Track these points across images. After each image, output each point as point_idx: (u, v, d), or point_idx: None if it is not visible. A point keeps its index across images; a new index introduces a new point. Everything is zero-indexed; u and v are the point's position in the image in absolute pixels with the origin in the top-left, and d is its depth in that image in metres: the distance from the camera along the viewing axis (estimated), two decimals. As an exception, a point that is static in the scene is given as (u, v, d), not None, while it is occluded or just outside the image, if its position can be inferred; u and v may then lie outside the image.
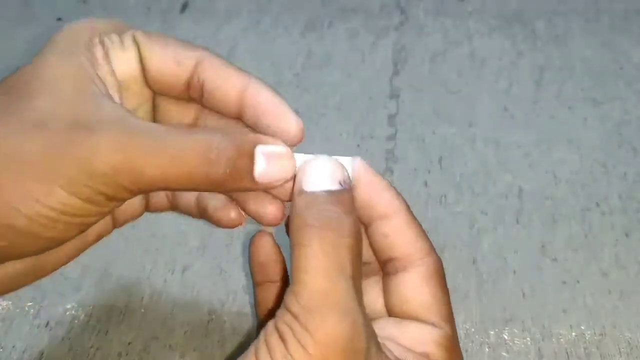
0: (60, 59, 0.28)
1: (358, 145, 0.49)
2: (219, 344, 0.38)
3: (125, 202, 0.31)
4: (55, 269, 0.32)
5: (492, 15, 0.60)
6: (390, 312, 0.29)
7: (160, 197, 0.34)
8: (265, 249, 0.32)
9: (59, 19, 0.62)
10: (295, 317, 0.24)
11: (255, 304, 0.34)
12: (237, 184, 0.27)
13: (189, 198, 0.33)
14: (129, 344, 0.38)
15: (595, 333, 0.38)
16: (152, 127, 0.27)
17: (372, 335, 0.26)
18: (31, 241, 0.26)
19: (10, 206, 0.25)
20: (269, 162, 0.27)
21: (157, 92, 0.31)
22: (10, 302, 0.40)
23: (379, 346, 0.26)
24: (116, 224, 0.34)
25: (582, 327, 0.38)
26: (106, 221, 0.33)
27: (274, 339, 0.25)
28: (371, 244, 0.30)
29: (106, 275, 0.42)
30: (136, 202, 0.33)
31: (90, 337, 0.39)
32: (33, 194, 0.25)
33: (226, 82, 0.29)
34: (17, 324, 0.39)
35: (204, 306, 0.40)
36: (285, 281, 0.33)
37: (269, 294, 0.33)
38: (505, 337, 0.38)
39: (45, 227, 0.26)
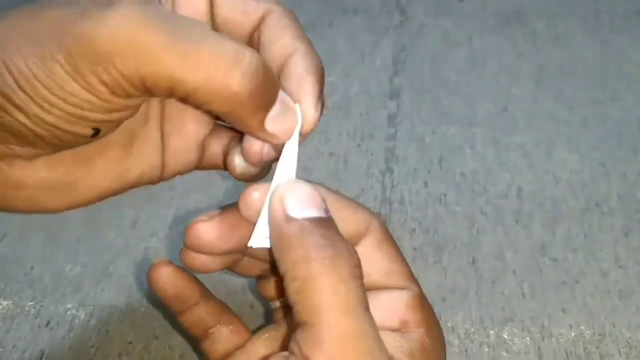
0: None
1: (358, 145, 0.49)
2: (219, 343, 0.38)
3: (178, 145, 0.30)
4: (88, 197, 0.29)
5: (492, 16, 0.60)
6: None
7: (216, 150, 0.31)
8: (171, 279, 0.29)
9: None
10: None
11: (187, 329, 0.31)
12: (249, 112, 0.25)
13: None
14: (130, 343, 0.38)
15: (594, 333, 0.38)
16: (184, 17, 0.24)
17: None
18: (37, 124, 0.24)
19: (12, 80, 0.23)
20: (283, 112, 0.26)
21: None
22: (10, 302, 0.41)
23: None
24: (165, 172, 0.31)
25: (582, 327, 0.38)
26: (152, 161, 0.30)
27: None
28: None
29: (106, 275, 0.42)
30: (190, 148, 0.31)
31: (91, 336, 0.39)
32: (33, 71, 0.23)
33: (276, 43, 0.27)
34: (18, 324, 0.39)
35: (204, 306, 0.40)
36: (207, 294, 0.31)
37: (196, 316, 0.30)
38: (505, 336, 0.38)
39: (45, 111, 0.24)
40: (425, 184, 0.47)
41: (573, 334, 0.38)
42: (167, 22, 0.23)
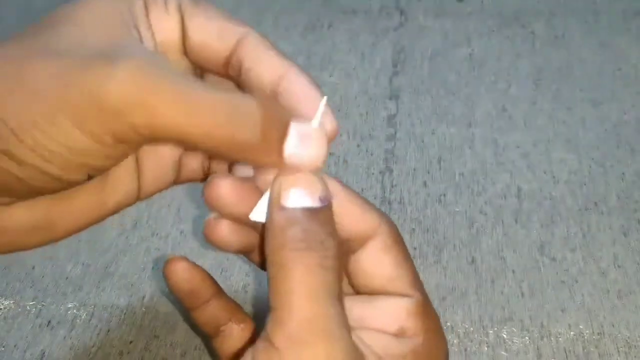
0: (100, 2, 0.26)
1: (358, 145, 0.50)
2: (219, 342, 0.38)
3: (154, 167, 0.29)
4: (68, 232, 0.29)
5: (491, 16, 0.60)
6: (357, 292, 0.28)
7: (195, 165, 0.31)
8: (187, 275, 0.30)
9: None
10: (277, 350, 0.23)
11: (200, 326, 0.31)
12: (262, 155, 0.25)
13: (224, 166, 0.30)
14: (130, 342, 0.38)
15: (593, 332, 0.38)
16: (180, 73, 0.24)
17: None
18: (32, 174, 0.24)
19: (10, 133, 0.23)
20: (302, 141, 0.25)
21: (195, 64, 0.29)
22: (12, 301, 0.41)
23: None
24: (141, 194, 0.30)
25: (581, 327, 0.38)
26: (128, 188, 0.30)
27: None
28: None
29: (107, 275, 0.42)
30: (167, 168, 0.31)
31: (92, 336, 0.39)
32: (36, 122, 0.23)
33: (262, 66, 0.27)
34: (19, 323, 0.39)
35: (205, 305, 0.40)
36: (220, 291, 0.31)
37: (209, 313, 0.31)
38: (504, 336, 0.38)
39: (45, 160, 0.24)
40: (425, 184, 0.47)
41: (572, 333, 0.38)
42: (170, 76, 0.24)
